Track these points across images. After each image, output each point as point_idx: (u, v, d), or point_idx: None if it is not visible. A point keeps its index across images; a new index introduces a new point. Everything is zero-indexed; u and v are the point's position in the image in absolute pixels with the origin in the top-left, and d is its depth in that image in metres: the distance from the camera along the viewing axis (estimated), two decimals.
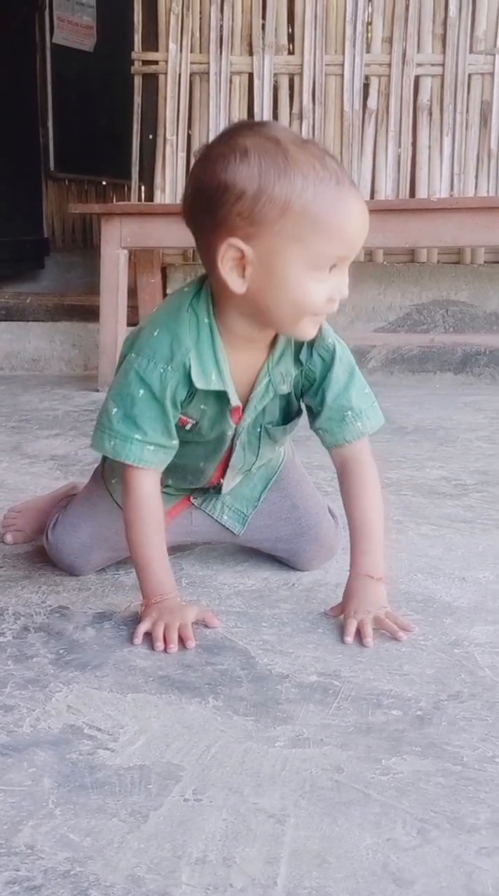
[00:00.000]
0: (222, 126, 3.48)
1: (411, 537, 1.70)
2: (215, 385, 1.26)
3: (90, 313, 3.55)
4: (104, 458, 1.44)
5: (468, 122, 3.38)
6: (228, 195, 1.14)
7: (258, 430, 1.37)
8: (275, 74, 3.46)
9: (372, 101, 3.42)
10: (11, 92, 4.71)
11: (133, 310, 3.42)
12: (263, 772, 0.97)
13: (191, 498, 1.47)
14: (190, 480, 1.42)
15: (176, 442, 1.29)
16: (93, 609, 1.38)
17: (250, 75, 3.49)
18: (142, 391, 1.24)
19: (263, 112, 3.45)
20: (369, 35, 3.41)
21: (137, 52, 3.56)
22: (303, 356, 1.31)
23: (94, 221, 4.58)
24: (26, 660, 1.22)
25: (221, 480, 1.43)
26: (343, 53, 3.41)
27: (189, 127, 3.56)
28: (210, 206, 1.16)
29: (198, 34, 3.50)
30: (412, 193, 3.42)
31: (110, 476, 1.42)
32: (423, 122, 3.41)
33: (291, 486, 1.52)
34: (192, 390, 1.26)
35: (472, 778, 0.95)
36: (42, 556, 1.59)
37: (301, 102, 3.44)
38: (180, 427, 1.30)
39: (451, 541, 1.68)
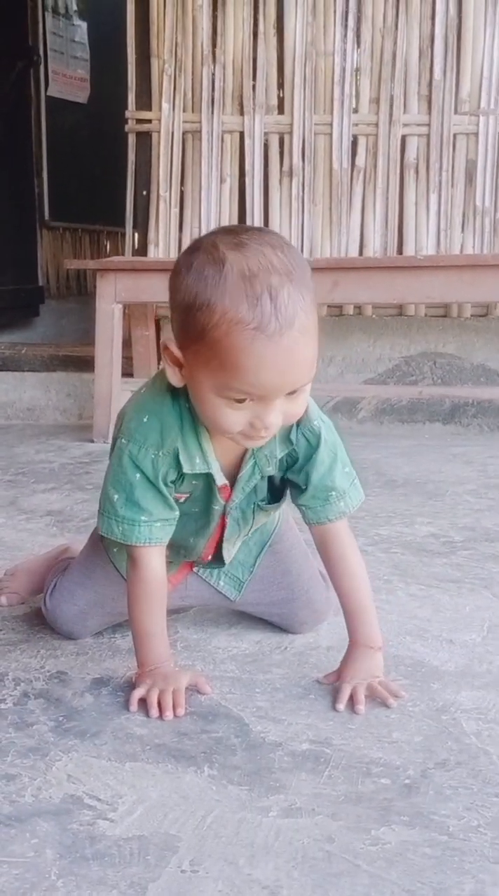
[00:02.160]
0: (215, 184, 3.57)
1: (400, 598, 1.74)
2: (200, 468, 1.31)
3: (85, 363, 3.61)
4: None
5: (454, 180, 3.48)
6: (173, 302, 1.20)
7: (252, 506, 1.42)
8: (265, 133, 3.55)
9: (360, 160, 3.52)
10: (7, 143, 4.81)
11: (128, 360, 3.49)
12: (257, 842, 1.01)
13: (193, 565, 1.51)
14: (183, 554, 1.47)
15: (177, 512, 1.34)
16: (90, 674, 1.42)
17: (241, 134, 3.59)
18: (138, 475, 1.30)
19: (254, 169, 3.54)
20: (357, 96, 3.51)
21: (131, 111, 3.66)
22: (292, 436, 1.34)
23: (89, 271, 4.65)
24: (27, 727, 1.26)
25: (212, 555, 1.47)
26: (332, 113, 3.51)
27: (182, 184, 3.65)
28: (170, 301, 1.22)
29: (190, 94, 3.60)
30: (400, 249, 3.50)
31: (111, 545, 1.46)
32: (410, 179, 3.50)
33: (284, 551, 1.56)
34: (181, 472, 1.31)
35: (457, 848, 0.99)
36: (40, 618, 1.63)
37: (291, 161, 3.53)
38: (176, 500, 1.35)
39: (439, 601, 1.72)
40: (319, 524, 1.38)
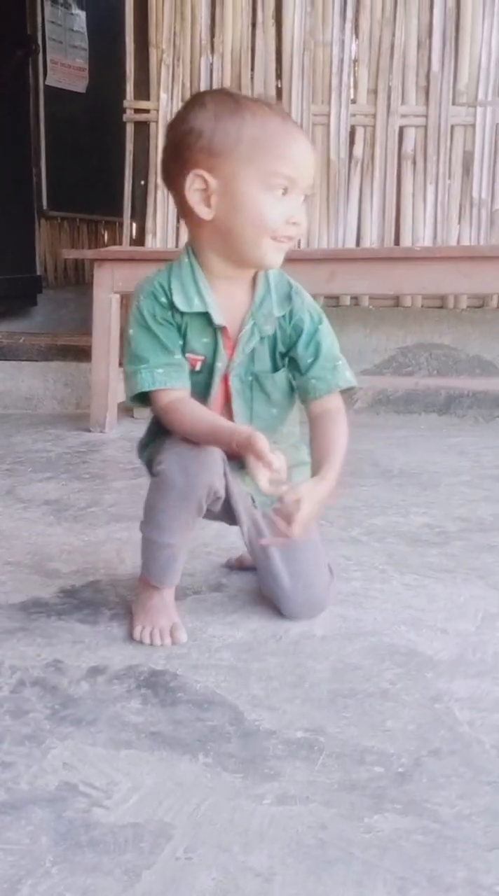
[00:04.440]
0: None
1: (394, 587, 1.75)
2: (198, 307, 1.43)
3: (82, 353, 3.61)
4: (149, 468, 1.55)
5: (451, 171, 3.47)
6: (191, 136, 1.37)
7: (250, 378, 1.48)
8: None
9: (358, 150, 3.51)
10: (5, 132, 4.79)
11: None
12: (252, 829, 1.02)
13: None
14: None
15: (179, 356, 1.45)
16: (86, 663, 1.43)
17: None
18: (135, 330, 1.45)
19: None
20: (355, 86, 3.51)
21: (129, 101, 3.64)
22: (290, 299, 1.48)
23: (87, 260, 4.64)
24: (23, 715, 1.26)
25: None
26: (330, 104, 3.50)
27: None
28: (177, 152, 1.39)
29: (188, 84, 3.59)
30: (397, 240, 3.50)
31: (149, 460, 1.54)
32: (407, 171, 3.50)
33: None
34: (182, 322, 1.44)
35: (450, 836, 1.00)
36: (37, 606, 1.63)
37: None
38: (191, 370, 1.46)
39: (433, 591, 1.73)
40: (328, 394, 1.48)
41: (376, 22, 3.47)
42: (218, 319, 1.45)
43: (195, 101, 1.41)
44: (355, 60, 3.49)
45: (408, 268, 3.06)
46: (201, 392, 1.49)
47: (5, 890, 0.92)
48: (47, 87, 5.34)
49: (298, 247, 3.45)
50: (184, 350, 1.46)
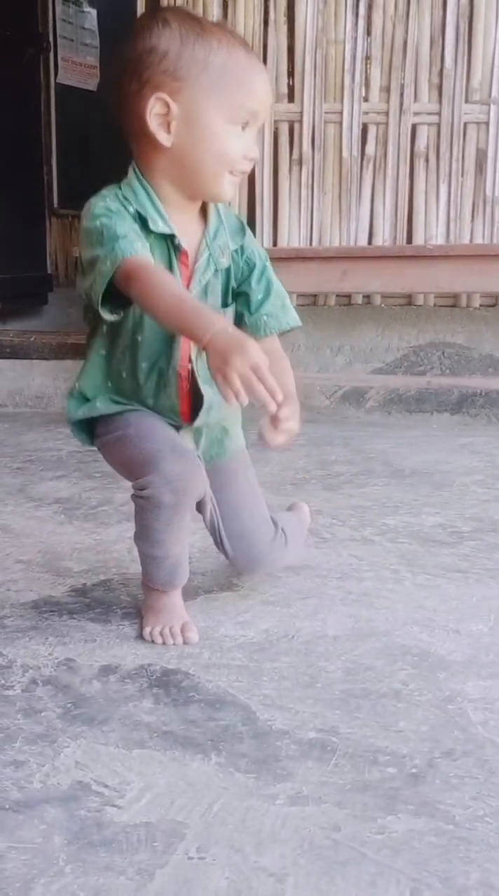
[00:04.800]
0: None
1: (407, 587, 1.74)
2: (163, 229, 1.37)
3: None
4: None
5: (464, 169, 3.46)
6: (154, 56, 1.31)
7: None
8: (275, 121, 3.53)
9: (370, 148, 3.50)
10: (16, 131, 4.79)
11: None
12: (264, 830, 1.01)
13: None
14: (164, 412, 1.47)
15: (145, 243, 1.33)
16: (98, 661, 1.43)
17: None
18: (103, 221, 1.32)
19: (264, 157, 3.53)
20: (367, 84, 3.49)
21: None
22: (243, 234, 1.48)
23: None
24: (35, 714, 1.26)
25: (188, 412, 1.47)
26: (342, 102, 3.49)
27: None
28: (137, 70, 1.32)
29: None
30: (409, 238, 3.49)
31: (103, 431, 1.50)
32: (420, 168, 3.49)
33: (246, 485, 1.61)
34: (148, 230, 1.36)
35: (463, 837, 1.00)
36: (48, 605, 1.64)
37: (301, 149, 3.52)
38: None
39: (446, 591, 1.72)
40: (280, 331, 1.49)
41: (388, 19, 3.45)
42: (182, 243, 1.40)
43: (156, 19, 1.34)
44: (368, 58, 3.47)
45: (421, 266, 3.05)
46: (163, 332, 1.42)
47: (18, 889, 0.92)
48: (58, 85, 5.34)
49: (311, 244, 3.44)
50: None
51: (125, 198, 1.37)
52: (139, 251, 1.30)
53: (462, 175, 3.46)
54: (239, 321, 1.49)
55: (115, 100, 1.39)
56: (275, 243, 3.47)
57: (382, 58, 3.47)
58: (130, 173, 1.41)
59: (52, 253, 5.34)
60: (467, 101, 3.43)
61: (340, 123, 3.50)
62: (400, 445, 3.01)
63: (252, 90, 1.34)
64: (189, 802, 1.06)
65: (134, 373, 1.45)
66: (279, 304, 1.49)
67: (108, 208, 1.34)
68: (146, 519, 1.45)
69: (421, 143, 3.49)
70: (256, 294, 1.48)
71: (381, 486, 2.47)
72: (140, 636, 1.51)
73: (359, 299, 3.56)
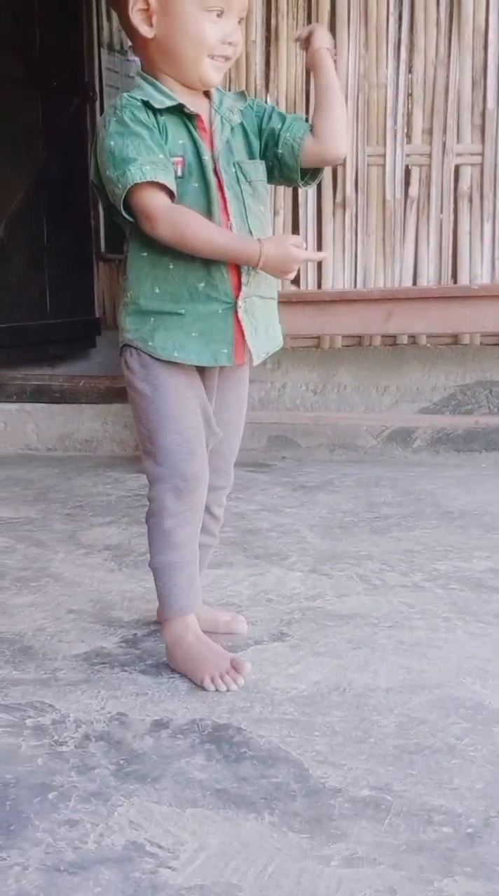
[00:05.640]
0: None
1: (459, 636, 1.73)
2: (169, 103, 1.49)
3: None
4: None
5: None
6: None
7: (234, 170, 1.54)
8: None
9: (413, 190, 3.51)
10: (63, 178, 4.90)
11: None
12: (319, 892, 1.00)
13: (238, 309, 1.55)
14: (213, 286, 1.53)
15: (164, 157, 1.47)
16: (150, 716, 1.43)
17: None
18: (116, 138, 1.46)
19: (308, 201, 3.56)
20: (410, 126, 3.52)
21: None
22: (243, 99, 1.59)
23: None
24: (88, 771, 1.27)
25: (240, 282, 1.54)
26: (384, 145, 3.51)
27: None
28: None
29: None
30: (454, 278, 3.49)
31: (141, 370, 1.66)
32: (463, 209, 3.49)
33: (242, 409, 1.74)
34: (159, 124, 1.48)
35: None
36: (100, 657, 1.65)
37: (345, 192, 3.54)
38: (181, 178, 1.49)
39: None
40: (309, 131, 1.57)
41: (429, 62, 3.48)
42: (191, 108, 1.51)
43: None
44: (409, 94, 3.50)
45: (466, 306, 3.05)
46: (203, 197, 1.51)
47: None
48: None
49: (355, 286, 3.46)
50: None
51: (132, 96, 1.50)
52: (148, 175, 1.43)
53: None
54: (276, 162, 1.59)
55: (115, 10, 1.57)
56: (319, 286, 3.49)
57: (424, 101, 3.50)
58: (136, 79, 1.57)
59: (100, 297, 5.41)
60: None
61: (383, 166, 3.52)
62: (449, 486, 2.99)
63: None
64: (243, 864, 1.06)
65: (180, 253, 1.51)
66: (298, 118, 1.59)
67: (119, 122, 1.47)
68: (161, 525, 1.57)
69: (464, 183, 3.49)
70: (276, 124, 1.57)
71: (430, 529, 2.45)
72: (194, 686, 1.51)
73: (404, 339, 3.56)
